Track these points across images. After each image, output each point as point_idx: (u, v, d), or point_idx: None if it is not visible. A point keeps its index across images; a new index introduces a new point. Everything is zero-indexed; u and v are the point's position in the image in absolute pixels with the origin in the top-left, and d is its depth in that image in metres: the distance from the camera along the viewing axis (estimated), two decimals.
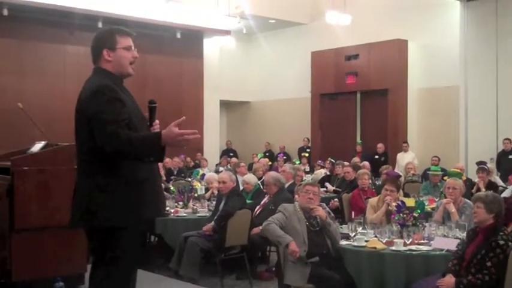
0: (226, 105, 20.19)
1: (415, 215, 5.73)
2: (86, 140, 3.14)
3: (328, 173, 12.33)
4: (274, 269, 6.91)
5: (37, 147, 5.52)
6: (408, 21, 15.54)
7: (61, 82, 14.10)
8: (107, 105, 3.07)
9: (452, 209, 6.03)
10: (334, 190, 10.36)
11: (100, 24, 14.25)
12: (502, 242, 4.50)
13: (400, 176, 8.92)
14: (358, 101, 16.69)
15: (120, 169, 3.14)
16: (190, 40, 16.91)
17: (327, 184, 10.77)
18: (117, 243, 3.17)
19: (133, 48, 3.34)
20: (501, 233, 4.59)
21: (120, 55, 3.27)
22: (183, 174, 13.30)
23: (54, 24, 14.50)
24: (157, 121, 3.40)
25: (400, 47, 15.55)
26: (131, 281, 3.35)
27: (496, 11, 13.45)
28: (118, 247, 3.18)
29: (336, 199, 9.36)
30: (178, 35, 16.23)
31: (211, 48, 18.05)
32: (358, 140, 16.20)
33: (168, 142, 3.01)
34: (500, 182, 10.59)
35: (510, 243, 4.52)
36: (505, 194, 8.28)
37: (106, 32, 3.35)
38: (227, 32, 17.29)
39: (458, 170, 8.82)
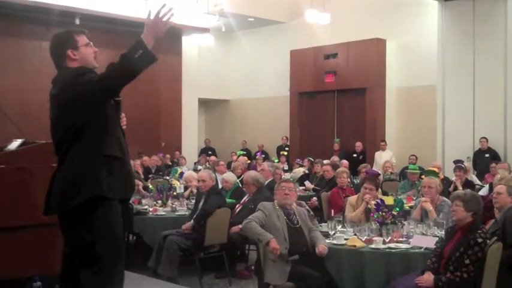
0: (205, 104, 20.14)
1: (394, 213, 5.76)
2: (66, 125, 3.25)
3: (306, 172, 12.36)
4: (253, 267, 6.90)
5: (14, 144, 5.42)
6: (387, 21, 15.65)
7: (37, 79, 13.90)
8: (89, 75, 3.26)
9: (430, 207, 6.08)
10: (313, 188, 10.38)
11: (77, 21, 14.13)
12: (480, 240, 4.54)
13: (379, 175, 8.97)
14: (337, 100, 16.76)
15: (93, 149, 3.26)
16: (169, 37, 16.71)
17: (306, 182, 10.78)
18: (97, 221, 3.23)
19: (91, 43, 3.49)
20: (479, 231, 4.63)
21: (83, 52, 3.42)
22: (161, 173, 13.22)
23: (31, 20, 14.35)
24: (123, 114, 3.55)
25: (378, 46, 15.66)
26: (119, 273, 3.35)
27: (473, 11, 13.59)
28: (98, 226, 3.23)
29: (315, 197, 9.39)
30: None
31: (189, 46, 17.98)
32: (336, 139, 16.26)
33: (150, 37, 3.18)
34: (476, 181, 10.70)
35: (488, 241, 4.57)
36: (481, 193, 8.35)
37: (63, 34, 3.47)
38: (206, 30, 17.23)
39: (435, 169, 8.87)
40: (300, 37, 17.29)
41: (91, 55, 3.44)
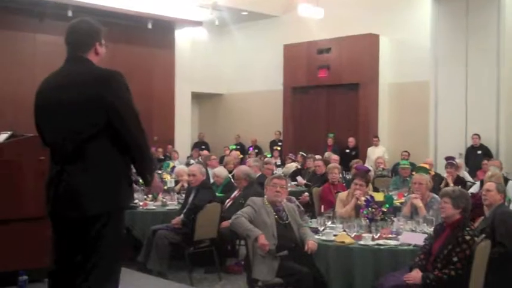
0: (199, 97, 20.08)
1: (384, 209, 5.76)
2: (88, 126, 3.09)
3: (299, 167, 12.35)
4: (243, 262, 6.89)
5: (2, 137, 5.39)
6: (380, 16, 15.62)
7: (30, 71, 13.83)
8: (128, 93, 3.16)
9: (420, 204, 6.08)
10: (305, 184, 10.37)
11: (70, 13, 14.06)
12: (468, 238, 4.53)
13: (369, 171, 8.95)
14: (330, 95, 16.73)
15: (116, 155, 3.16)
16: (162, 31, 16.76)
17: (298, 178, 10.78)
18: (109, 230, 3.15)
19: None
20: (467, 229, 4.62)
21: (103, 51, 3.35)
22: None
23: (24, 12, 14.27)
24: None
25: (371, 41, 15.63)
26: (118, 272, 3.32)
27: (466, 7, 13.58)
28: (110, 234, 3.16)
29: (306, 193, 9.37)
30: (150, 26, 16.06)
31: (183, 39, 17.92)
32: (330, 134, 16.23)
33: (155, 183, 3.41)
34: (468, 178, 10.72)
35: (476, 239, 4.56)
36: (472, 190, 8.36)
37: (97, 26, 3.38)
38: (199, 23, 17.20)
39: (426, 166, 8.87)
40: (294, 31, 17.24)
41: (103, 56, 3.35)
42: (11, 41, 14.33)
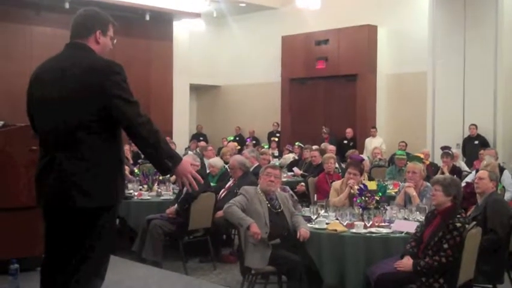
0: (197, 89, 20.07)
1: (377, 198, 5.77)
2: (84, 117, 2.99)
3: (296, 158, 12.36)
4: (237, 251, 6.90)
5: None
6: (378, 7, 15.58)
7: (27, 63, 13.73)
8: (127, 85, 3.05)
9: (413, 192, 6.09)
10: (301, 174, 10.38)
11: (67, 5, 14.00)
12: (459, 225, 4.54)
13: (363, 160, 8.96)
14: (328, 86, 16.70)
15: (110, 149, 3.08)
16: (160, 22, 16.71)
17: (295, 168, 10.79)
18: (100, 225, 3.09)
19: (115, 40, 3.34)
20: (458, 216, 4.63)
21: (107, 42, 3.24)
22: None
23: (20, 4, 14.22)
24: None
25: (369, 32, 15.59)
26: (106, 265, 3.29)
27: None
28: (100, 229, 3.10)
29: (302, 183, 9.39)
30: (148, 17, 16.01)
31: (181, 31, 17.88)
32: (325, 128, 16.13)
33: (180, 167, 3.07)
34: (465, 167, 10.72)
35: (467, 226, 4.56)
36: (468, 179, 8.37)
37: (102, 14, 3.27)
38: (197, 15, 17.13)
39: (421, 155, 8.88)
40: (292, 23, 17.20)
41: (108, 49, 3.26)
42: (7, 32, 14.29)
